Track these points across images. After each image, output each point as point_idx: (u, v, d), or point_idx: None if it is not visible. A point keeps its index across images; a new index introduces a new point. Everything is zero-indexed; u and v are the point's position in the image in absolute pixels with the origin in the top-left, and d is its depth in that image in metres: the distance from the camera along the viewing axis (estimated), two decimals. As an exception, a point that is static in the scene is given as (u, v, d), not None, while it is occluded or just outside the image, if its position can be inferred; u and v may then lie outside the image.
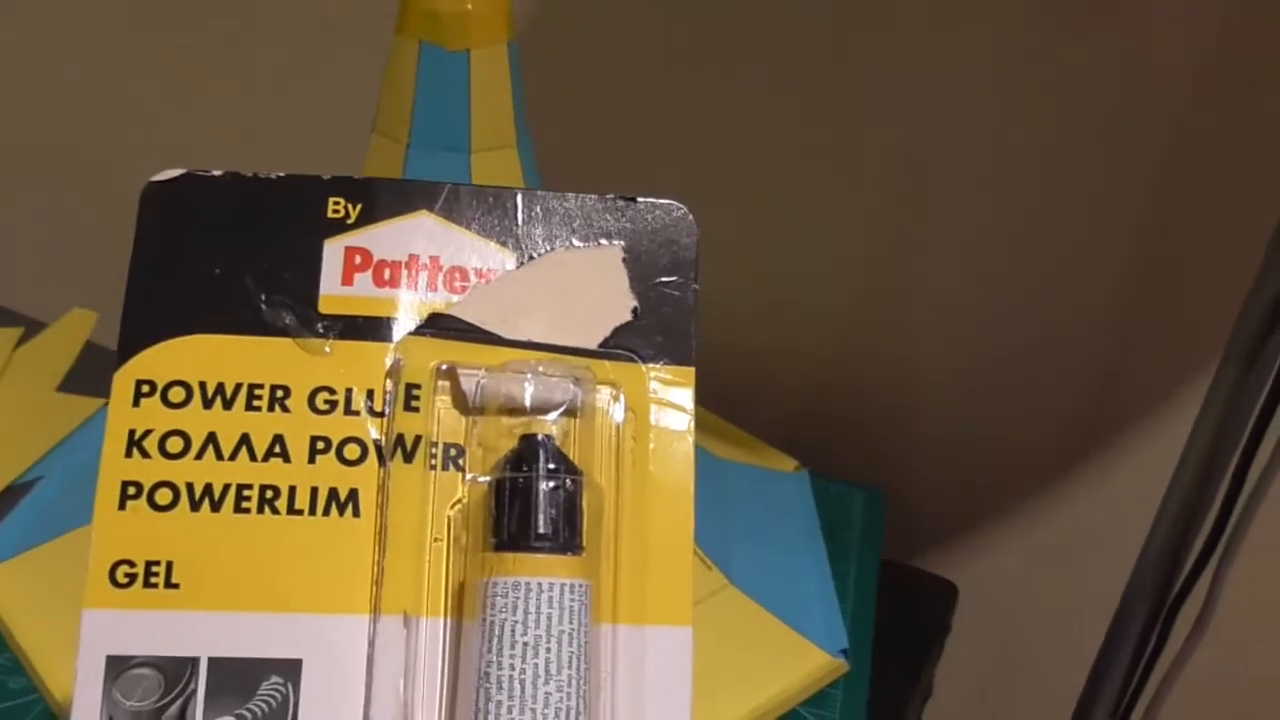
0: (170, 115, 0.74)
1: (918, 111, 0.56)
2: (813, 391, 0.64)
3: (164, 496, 0.27)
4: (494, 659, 0.26)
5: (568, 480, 0.27)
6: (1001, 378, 0.59)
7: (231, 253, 0.29)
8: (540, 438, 0.28)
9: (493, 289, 0.30)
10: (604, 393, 0.29)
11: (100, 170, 0.79)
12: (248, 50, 0.71)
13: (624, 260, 0.30)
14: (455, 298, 0.29)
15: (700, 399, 0.65)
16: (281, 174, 0.29)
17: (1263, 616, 0.57)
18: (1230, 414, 0.38)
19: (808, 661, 0.43)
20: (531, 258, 0.30)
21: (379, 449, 0.28)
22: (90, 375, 0.56)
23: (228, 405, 0.28)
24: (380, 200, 0.29)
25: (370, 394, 0.28)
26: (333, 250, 0.29)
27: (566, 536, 0.27)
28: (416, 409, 0.28)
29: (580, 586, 0.27)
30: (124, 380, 0.28)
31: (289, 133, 0.71)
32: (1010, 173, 0.55)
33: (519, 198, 0.30)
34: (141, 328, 0.28)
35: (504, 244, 0.30)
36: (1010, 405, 0.60)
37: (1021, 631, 0.64)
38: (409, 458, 0.28)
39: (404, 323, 0.29)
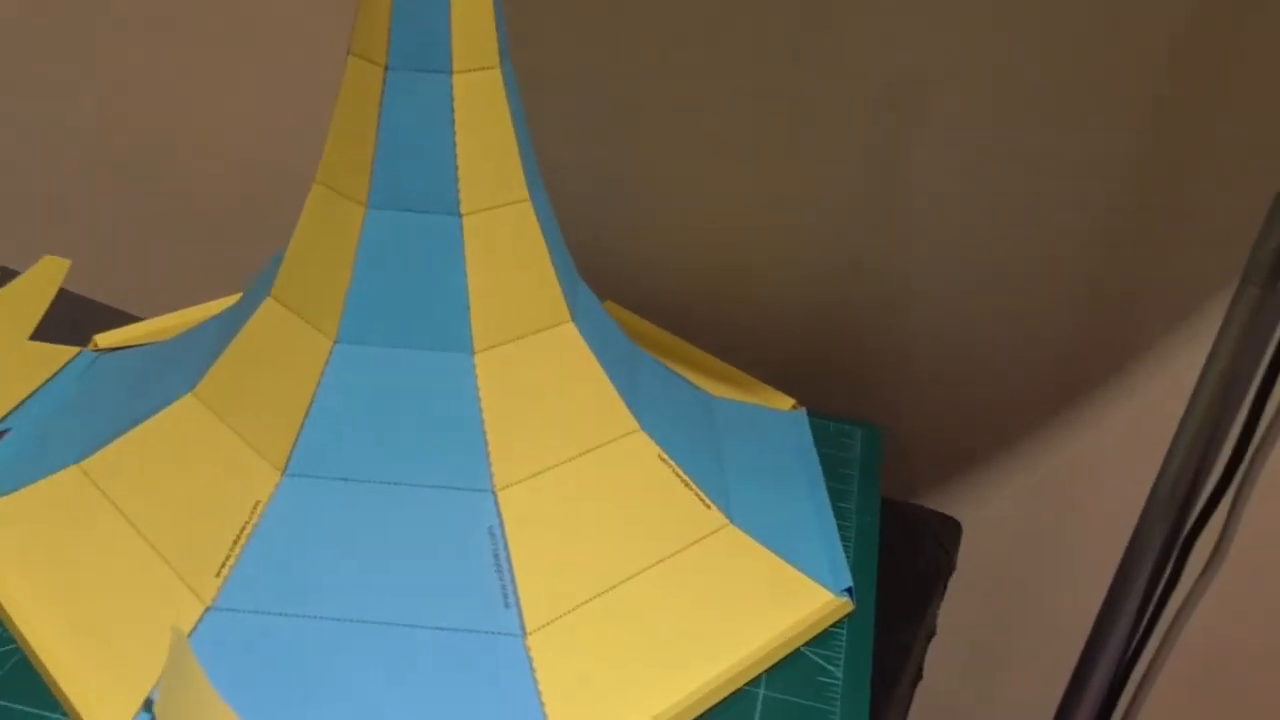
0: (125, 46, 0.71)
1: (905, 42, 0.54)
2: (809, 335, 0.62)
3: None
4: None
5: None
6: (994, 309, 0.58)
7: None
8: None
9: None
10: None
11: (59, 120, 0.76)
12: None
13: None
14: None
15: (699, 344, 0.63)
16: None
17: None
18: (1250, 337, 0.36)
19: (811, 601, 0.41)
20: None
21: None
22: (62, 323, 0.55)
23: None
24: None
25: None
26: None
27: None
28: None
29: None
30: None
31: (267, 52, 0.69)
32: (997, 100, 0.53)
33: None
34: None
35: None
36: (1006, 336, 0.58)
37: (1025, 567, 0.63)
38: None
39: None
